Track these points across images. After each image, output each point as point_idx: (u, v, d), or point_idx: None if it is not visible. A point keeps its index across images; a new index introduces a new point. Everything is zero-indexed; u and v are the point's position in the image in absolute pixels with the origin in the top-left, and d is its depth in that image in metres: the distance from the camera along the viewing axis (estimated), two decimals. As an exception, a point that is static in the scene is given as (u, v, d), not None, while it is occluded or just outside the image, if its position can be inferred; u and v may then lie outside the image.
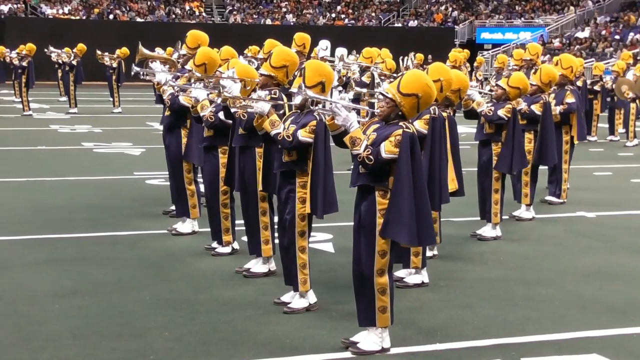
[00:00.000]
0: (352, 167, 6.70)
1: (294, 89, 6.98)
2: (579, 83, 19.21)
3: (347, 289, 6.80)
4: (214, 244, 9.62)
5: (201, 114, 9.02)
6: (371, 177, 6.39)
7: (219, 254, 9.47)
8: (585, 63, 27.70)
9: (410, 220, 6.25)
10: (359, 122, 6.49)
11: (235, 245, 9.55)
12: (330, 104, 6.62)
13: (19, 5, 45.51)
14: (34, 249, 9.71)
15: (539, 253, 10.14)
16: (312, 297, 7.60)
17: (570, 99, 12.77)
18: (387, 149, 6.24)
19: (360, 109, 7.18)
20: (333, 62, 15.44)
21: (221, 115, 8.72)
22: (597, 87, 22.18)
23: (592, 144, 21.26)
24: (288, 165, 7.35)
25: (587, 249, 10.40)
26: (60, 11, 45.87)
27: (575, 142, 13.22)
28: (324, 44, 16.67)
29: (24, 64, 26.01)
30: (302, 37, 13.48)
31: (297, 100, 6.75)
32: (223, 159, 9.13)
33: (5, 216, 11.41)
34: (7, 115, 25.26)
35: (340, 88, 13.18)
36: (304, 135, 7.14)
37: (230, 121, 8.47)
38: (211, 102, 8.99)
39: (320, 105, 6.92)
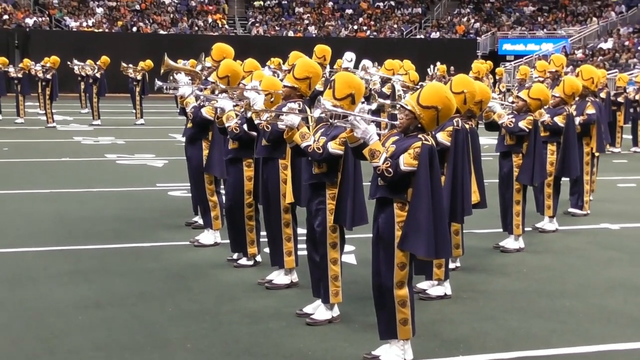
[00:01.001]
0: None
1: (324, 100, 6.98)
2: (603, 94, 19.10)
3: (370, 301, 6.79)
4: (235, 256, 9.63)
5: (226, 125, 9.04)
6: (390, 190, 6.38)
7: (241, 265, 9.48)
8: (609, 74, 27.56)
9: (428, 232, 6.24)
10: (378, 134, 6.48)
11: (259, 258, 9.55)
12: (349, 116, 6.61)
13: (43, 18, 45.84)
14: (58, 260, 9.76)
15: (562, 265, 10.10)
16: (335, 310, 7.59)
17: (590, 110, 12.72)
18: (406, 161, 6.23)
19: (380, 121, 7.18)
20: (356, 72, 15.46)
21: (246, 127, 8.73)
22: (620, 99, 22.07)
23: (616, 156, 21.14)
24: (318, 177, 7.35)
25: (611, 261, 10.34)
26: (85, 24, 46.16)
27: (596, 154, 13.15)
28: (349, 56, 16.64)
29: (49, 76, 26.18)
30: (322, 49, 13.51)
31: (316, 113, 6.75)
32: (247, 172, 9.14)
33: (29, 227, 11.47)
34: (31, 127, 25.44)
35: (362, 99, 13.18)
36: (334, 147, 7.14)
37: (255, 133, 8.49)
38: (237, 113, 9.01)
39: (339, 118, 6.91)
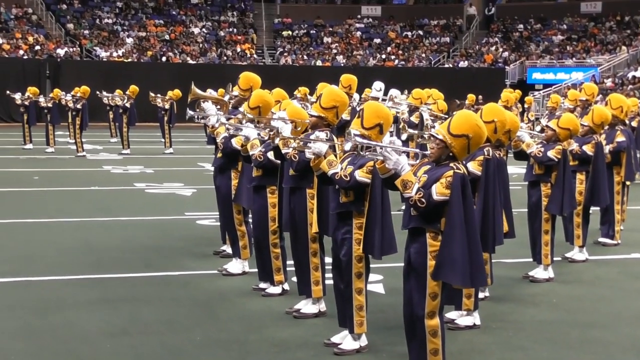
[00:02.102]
0: (402, 207, 6.67)
1: (354, 132, 6.98)
2: (634, 123, 18.97)
3: (398, 331, 6.76)
4: (262, 284, 9.62)
5: (250, 153, 9.07)
6: (423, 219, 6.37)
7: (269, 294, 9.46)
8: None
9: (463, 261, 6.21)
10: (409, 164, 6.47)
11: (286, 285, 9.53)
12: (381, 148, 6.61)
13: (74, 48, 46.31)
14: (87, 288, 9.80)
15: (592, 295, 10.01)
16: (363, 339, 7.55)
17: (620, 138, 12.65)
18: (439, 191, 6.22)
19: (410, 152, 7.17)
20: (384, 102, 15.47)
21: (270, 155, 8.75)
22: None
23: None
24: (345, 206, 7.33)
25: (642, 292, 10.25)
26: (115, 54, 46.59)
27: (627, 183, 13.06)
28: (378, 85, 16.68)
29: (79, 106, 26.40)
30: (348, 79, 13.54)
31: (347, 146, 6.76)
32: (271, 199, 9.14)
33: (59, 256, 11.53)
34: (61, 156, 25.63)
35: (392, 129, 13.19)
36: (361, 176, 7.12)
37: (279, 161, 8.51)
38: (261, 141, 9.04)
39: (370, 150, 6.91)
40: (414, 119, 15.47)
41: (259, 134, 9.06)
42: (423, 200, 6.23)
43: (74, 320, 8.47)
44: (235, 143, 9.90)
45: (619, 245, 12.90)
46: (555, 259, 10.76)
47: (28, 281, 10.09)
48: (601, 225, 13.13)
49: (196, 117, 10.54)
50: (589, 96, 14.50)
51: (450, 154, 6.42)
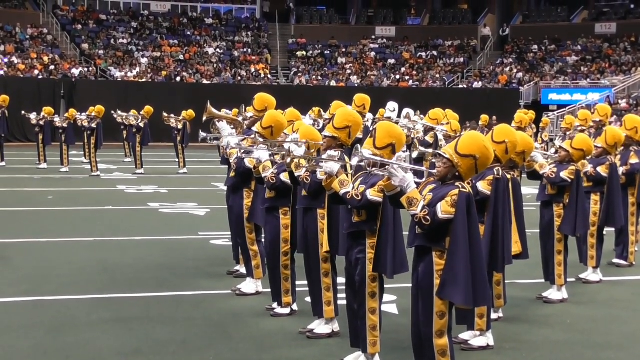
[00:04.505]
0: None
1: (362, 149, 7.01)
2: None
3: (411, 352, 6.74)
4: (274, 305, 9.62)
5: (263, 175, 9.10)
6: (428, 238, 6.38)
7: (277, 314, 9.46)
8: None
9: (466, 280, 6.22)
10: (415, 182, 6.48)
11: (295, 307, 9.52)
12: (387, 165, 6.62)
13: (90, 68, 46.56)
14: (100, 308, 9.82)
15: (607, 316, 9.97)
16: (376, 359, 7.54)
17: (634, 159, 12.62)
18: (444, 209, 6.24)
19: (418, 170, 7.17)
20: (398, 122, 15.50)
21: (282, 176, 8.78)
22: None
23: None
24: (358, 225, 7.33)
25: (657, 313, 10.21)
26: (129, 74, 46.82)
27: (642, 204, 13.03)
28: (392, 106, 16.72)
29: (93, 125, 26.49)
30: (361, 99, 13.56)
31: (354, 161, 6.78)
32: (284, 220, 9.15)
33: (73, 275, 11.57)
34: (76, 176, 25.73)
35: (404, 147, 13.21)
36: (372, 195, 7.12)
37: (291, 183, 8.54)
38: (273, 163, 9.06)
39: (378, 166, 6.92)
40: (429, 138, 15.48)
41: (271, 156, 9.09)
42: (428, 217, 6.24)
43: (87, 339, 8.49)
44: (249, 163, 9.92)
45: (633, 267, 12.85)
46: (569, 280, 10.74)
47: (42, 300, 10.13)
48: (616, 246, 13.09)
49: (209, 139, 10.56)
50: (603, 117, 14.49)
51: (457, 174, 6.44)
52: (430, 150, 11.60)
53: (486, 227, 8.13)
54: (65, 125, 27.79)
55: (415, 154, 9.00)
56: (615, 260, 12.98)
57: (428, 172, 6.83)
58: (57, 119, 28.51)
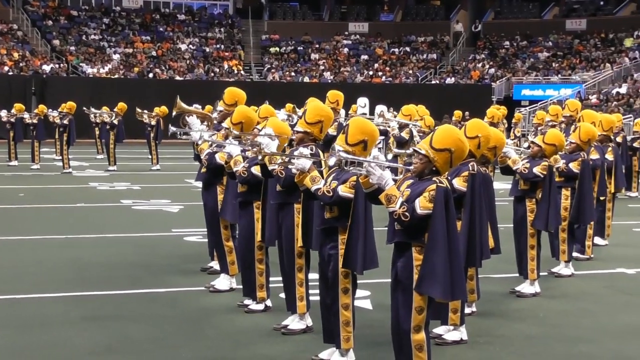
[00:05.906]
0: (387, 224, 6.68)
1: (338, 147, 7.00)
2: (619, 139, 19.08)
3: (386, 346, 6.76)
4: (246, 301, 9.60)
5: (234, 169, 9.08)
6: (407, 234, 6.40)
7: (252, 310, 9.44)
8: (624, 119, 27.53)
9: (444, 274, 6.24)
10: (393, 179, 6.49)
11: (269, 302, 9.52)
12: (365, 163, 6.62)
13: (61, 65, 46.28)
14: (73, 306, 9.77)
15: (578, 310, 10.05)
16: (351, 355, 7.54)
17: (594, 155, 12.68)
18: (422, 205, 6.26)
19: (397, 167, 7.18)
20: (372, 119, 15.51)
21: (254, 170, 8.77)
22: (636, 144, 22.00)
23: (632, 200, 21.08)
24: (330, 222, 7.33)
25: (628, 306, 10.29)
26: (101, 70, 46.57)
27: (602, 198, 13.09)
28: (362, 102, 16.77)
29: (65, 122, 26.34)
30: (335, 95, 13.58)
31: (331, 161, 6.78)
32: (258, 214, 9.13)
33: (45, 273, 11.50)
34: (47, 173, 25.57)
35: (380, 144, 13.24)
36: (344, 191, 7.12)
37: (262, 175, 8.52)
38: (244, 157, 9.05)
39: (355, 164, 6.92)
40: (405, 134, 15.50)
41: (242, 151, 9.07)
42: (407, 214, 6.26)
43: (60, 338, 8.44)
44: (219, 159, 9.90)
45: (593, 260, 12.91)
46: (541, 274, 10.80)
47: (13, 299, 10.05)
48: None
49: (178, 133, 10.51)
50: (573, 112, 14.56)
51: (434, 169, 6.46)
52: (404, 151, 11.63)
53: (463, 222, 8.16)
54: (35, 121, 27.62)
55: (389, 156, 9.00)
56: (574, 254, 13.02)
57: (405, 169, 6.84)
58: (26, 115, 28.29)
